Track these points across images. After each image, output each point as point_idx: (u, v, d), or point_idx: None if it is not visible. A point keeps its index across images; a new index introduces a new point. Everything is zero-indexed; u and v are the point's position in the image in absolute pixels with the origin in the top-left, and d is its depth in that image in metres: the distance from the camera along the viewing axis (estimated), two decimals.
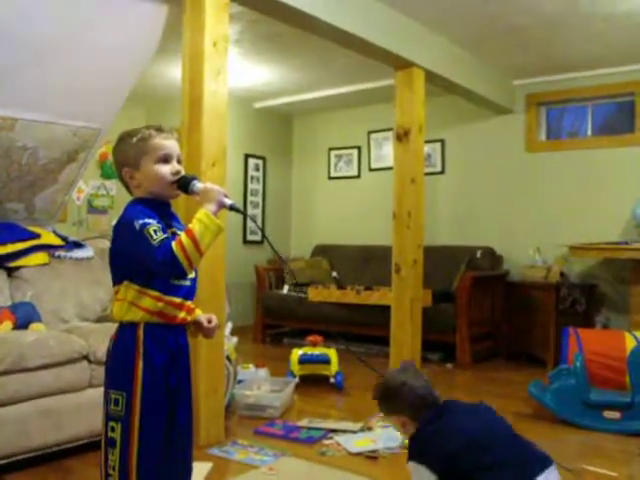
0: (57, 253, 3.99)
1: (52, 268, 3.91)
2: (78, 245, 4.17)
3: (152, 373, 1.83)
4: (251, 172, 7.74)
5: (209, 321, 2.02)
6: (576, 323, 4.90)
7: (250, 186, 7.73)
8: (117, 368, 1.86)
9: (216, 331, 2.06)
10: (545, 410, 3.93)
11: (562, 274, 5.84)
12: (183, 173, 1.90)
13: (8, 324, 3.30)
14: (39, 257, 3.88)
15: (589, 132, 6.31)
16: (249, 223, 7.43)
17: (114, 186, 6.88)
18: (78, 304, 3.89)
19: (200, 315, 2.02)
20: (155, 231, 1.74)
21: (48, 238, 4.00)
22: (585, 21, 4.77)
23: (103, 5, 3.41)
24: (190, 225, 1.76)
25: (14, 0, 3.10)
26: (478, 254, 6.23)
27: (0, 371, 2.86)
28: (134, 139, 1.87)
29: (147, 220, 1.76)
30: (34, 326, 3.41)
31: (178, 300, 1.87)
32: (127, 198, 1.94)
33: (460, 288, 5.70)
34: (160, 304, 1.83)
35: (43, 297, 3.74)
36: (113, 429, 1.82)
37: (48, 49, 3.37)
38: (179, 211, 2.04)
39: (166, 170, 1.86)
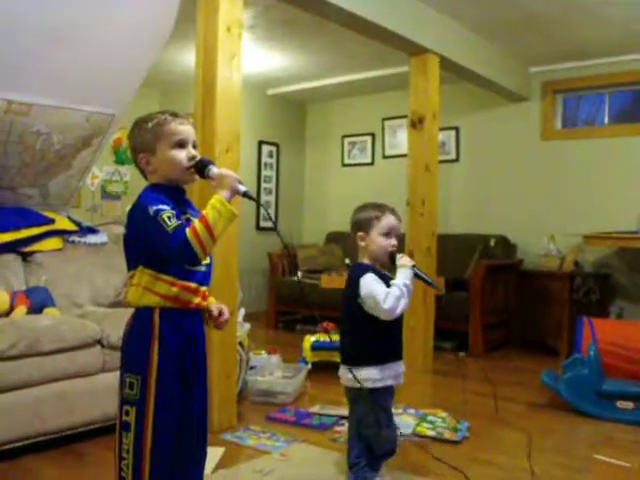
0: (71, 238, 4.01)
1: (66, 253, 3.93)
2: (92, 230, 4.19)
3: (167, 358, 1.83)
4: (265, 159, 7.74)
5: (220, 313, 2.01)
6: (590, 313, 4.88)
7: (264, 173, 7.73)
8: (133, 352, 1.87)
9: (226, 324, 2.05)
10: (558, 399, 3.92)
11: (576, 263, 5.81)
12: (199, 157, 1.90)
13: (23, 308, 3.32)
14: (53, 242, 3.90)
15: (606, 120, 6.24)
16: (262, 210, 7.43)
17: (128, 172, 6.89)
18: (92, 289, 3.91)
19: (212, 304, 2.01)
20: (169, 217, 1.73)
21: (62, 223, 4.01)
22: (602, 7, 4.71)
23: None
24: (204, 211, 1.75)
25: None
26: (492, 242, 6.21)
27: (14, 355, 2.88)
28: (149, 124, 1.87)
29: (161, 206, 1.75)
30: (48, 311, 3.43)
31: (193, 285, 1.87)
32: (141, 184, 1.95)
33: (473, 276, 5.68)
34: (175, 289, 1.83)
35: (57, 282, 3.76)
36: (127, 413, 1.83)
37: (64, 31, 3.36)
38: (193, 197, 2.03)
39: (182, 155, 1.86)
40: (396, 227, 2.44)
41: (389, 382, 2.42)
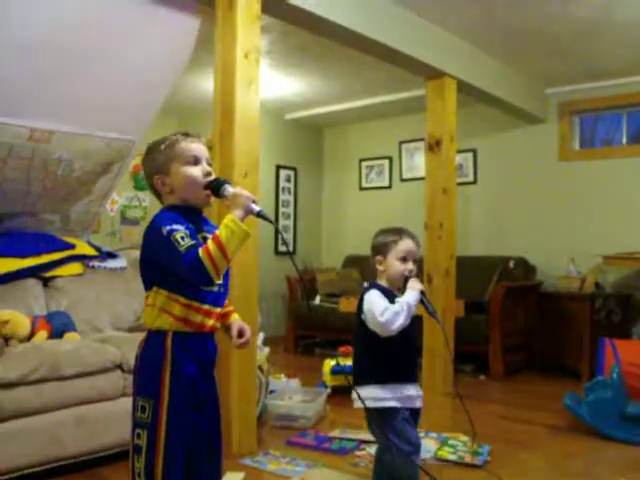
0: (91, 263, 4.05)
1: (86, 278, 3.96)
2: (112, 255, 4.22)
3: (180, 382, 1.82)
4: (282, 183, 7.78)
5: (240, 334, 1.99)
6: (612, 334, 4.82)
7: (281, 197, 7.76)
8: (145, 376, 1.86)
9: (248, 344, 2.02)
10: (581, 423, 3.87)
11: (597, 284, 5.76)
12: (214, 176, 1.90)
13: (44, 333, 3.34)
14: (74, 267, 3.94)
15: (624, 140, 6.22)
16: (279, 234, 7.44)
17: (147, 197, 6.95)
18: (112, 313, 3.93)
19: (234, 322, 2.01)
20: (182, 237, 1.73)
21: (83, 248, 4.05)
22: (618, 27, 4.71)
23: (137, 18, 3.45)
24: (217, 231, 1.75)
25: (50, 12, 3.16)
26: (511, 264, 6.17)
27: (36, 379, 2.90)
28: (162, 146, 1.89)
29: (174, 226, 1.76)
30: (69, 335, 3.45)
31: (206, 307, 1.86)
32: (160, 208, 1.96)
33: (493, 299, 5.64)
34: (188, 310, 1.83)
35: (78, 306, 3.79)
36: (139, 436, 1.83)
37: (83, 62, 3.42)
38: (211, 218, 2.04)
39: (197, 171, 1.87)
40: (413, 252, 2.42)
41: (391, 403, 2.33)
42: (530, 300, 6.00)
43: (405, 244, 2.40)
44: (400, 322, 2.25)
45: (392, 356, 2.34)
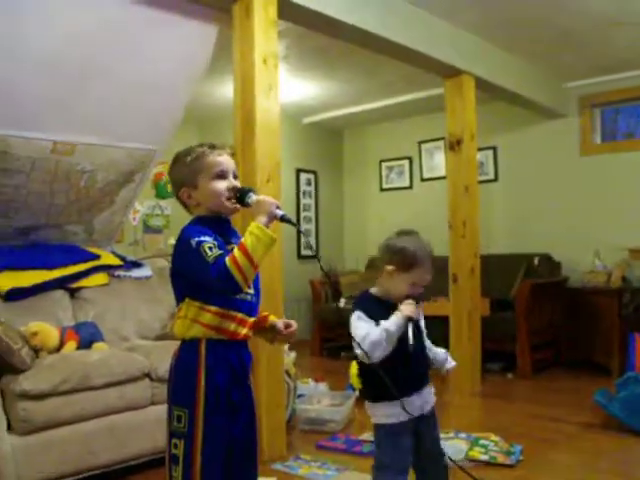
0: (117, 273, 4.07)
1: (112, 288, 3.99)
2: (136, 265, 4.24)
3: (214, 390, 1.83)
4: (303, 187, 7.78)
5: (287, 326, 2.01)
6: None
7: (302, 201, 7.77)
8: (179, 385, 1.87)
9: (294, 335, 2.04)
10: (612, 419, 3.82)
11: (624, 279, 5.69)
12: (239, 187, 1.91)
13: (72, 344, 3.37)
14: (99, 277, 3.97)
15: None
16: (302, 238, 7.45)
17: (169, 206, 6.98)
18: (138, 322, 3.95)
19: (276, 320, 2.03)
20: (210, 248, 1.74)
21: (107, 259, 4.08)
22: (636, 18, 4.66)
23: (155, 28, 3.47)
24: (242, 239, 1.76)
25: (66, 28, 3.18)
26: (536, 261, 6.12)
27: (66, 390, 2.92)
28: (188, 158, 1.90)
29: (203, 238, 1.77)
30: (97, 345, 3.47)
31: (240, 315, 1.87)
32: (182, 216, 1.97)
33: (519, 296, 5.60)
34: (221, 320, 1.83)
35: (104, 316, 3.82)
36: (176, 446, 1.83)
37: (102, 74, 3.45)
38: (236, 225, 2.04)
39: (222, 186, 1.87)
40: (425, 280, 2.22)
41: (391, 420, 2.22)
42: (556, 296, 5.95)
43: (420, 274, 2.20)
44: (380, 352, 2.09)
45: (390, 371, 2.13)
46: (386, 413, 2.21)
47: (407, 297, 2.19)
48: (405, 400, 2.17)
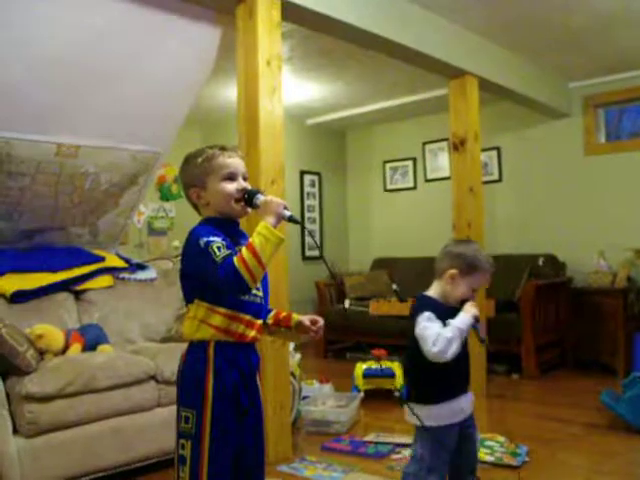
0: (121, 275, 4.07)
1: (117, 290, 3.99)
2: (141, 267, 4.24)
3: (222, 392, 1.83)
4: (307, 188, 7.78)
5: (313, 322, 2.02)
6: None
7: (307, 202, 7.76)
8: (188, 386, 1.88)
9: (321, 331, 2.05)
10: (618, 420, 3.82)
11: (629, 279, 5.68)
12: (247, 188, 1.91)
13: (78, 346, 3.36)
14: (104, 280, 3.97)
15: None
16: (307, 239, 7.46)
17: (173, 208, 6.99)
18: (143, 325, 3.95)
19: (301, 317, 2.03)
20: (219, 248, 1.75)
21: (112, 261, 4.08)
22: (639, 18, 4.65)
23: (158, 30, 3.47)
24: (250, 239, 1.76)
25: (71, 30, 3.19)
26: (540, 262, 6.11)
27: (71, 392, 2.93)
28: (199, 160, 1.91)
29: (211, 238, 1.77)
30: (102, 347, 3.47)
31: (248, 317, 1.88)
32: (186, 219, 1.98)
33: (523, 297, 5.59)
34: (230, 322, 1.84)
35: (109, 319, 3.82)
36: (183, 446, 1.84)
37: (106, 76, 3.45)
38: (243, 226, 2.05)
39: (232, 188, 1.88)
40: (483, 285, 2.38)
41: (444, 422, 2.25)
42: (561, 297, 5.94)
43: (479, 278, 2.32)
44: (453, 350, 2.15)
45: (444, 373, 2.22)
46: (437, 415, 2.24)
47: (464, 301, 2.29)
48: (456, 401, 2.27)
